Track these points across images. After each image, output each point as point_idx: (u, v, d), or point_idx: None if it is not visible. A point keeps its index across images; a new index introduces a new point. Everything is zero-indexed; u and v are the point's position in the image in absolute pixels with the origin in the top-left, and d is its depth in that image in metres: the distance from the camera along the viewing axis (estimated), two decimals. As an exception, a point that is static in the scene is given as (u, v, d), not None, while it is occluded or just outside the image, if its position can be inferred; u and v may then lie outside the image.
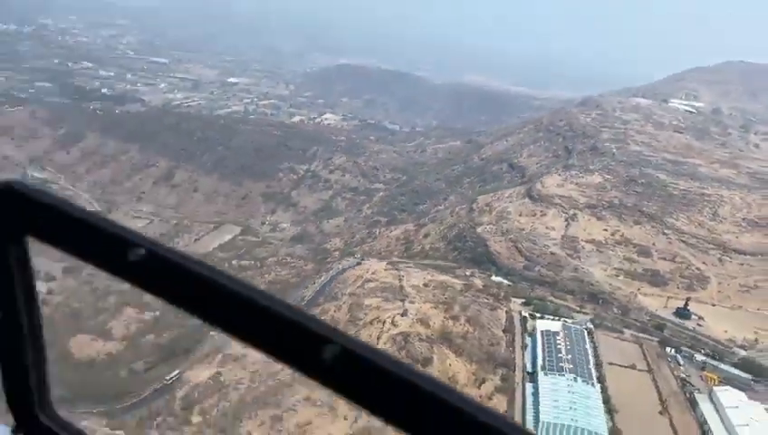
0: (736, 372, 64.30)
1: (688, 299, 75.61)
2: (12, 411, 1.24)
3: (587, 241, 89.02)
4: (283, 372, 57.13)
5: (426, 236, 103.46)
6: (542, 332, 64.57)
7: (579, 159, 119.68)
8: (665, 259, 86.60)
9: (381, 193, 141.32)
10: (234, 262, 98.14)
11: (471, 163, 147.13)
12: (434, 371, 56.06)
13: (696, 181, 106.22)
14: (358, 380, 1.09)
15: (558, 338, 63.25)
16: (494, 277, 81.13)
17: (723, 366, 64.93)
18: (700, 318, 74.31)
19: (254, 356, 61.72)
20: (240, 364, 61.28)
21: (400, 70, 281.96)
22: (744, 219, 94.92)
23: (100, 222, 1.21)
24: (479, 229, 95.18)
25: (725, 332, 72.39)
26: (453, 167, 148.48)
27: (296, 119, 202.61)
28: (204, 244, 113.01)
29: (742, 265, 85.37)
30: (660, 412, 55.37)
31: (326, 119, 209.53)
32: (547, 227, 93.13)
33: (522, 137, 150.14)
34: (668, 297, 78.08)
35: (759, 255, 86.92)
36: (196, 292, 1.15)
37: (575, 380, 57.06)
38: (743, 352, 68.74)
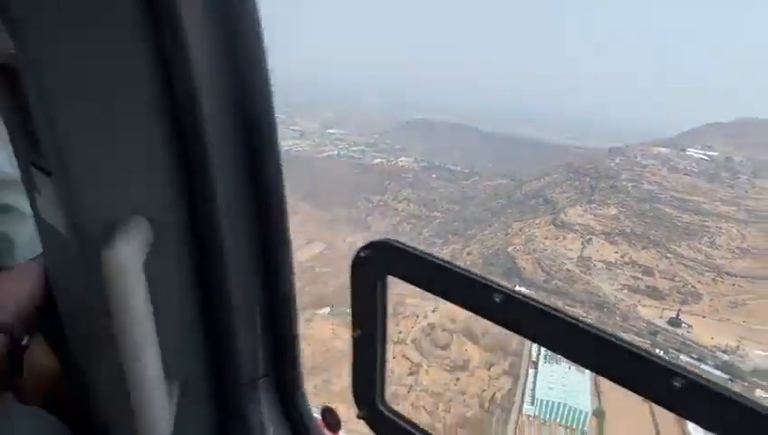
0: (717, 372, 62.56)
1: (680, 310, 73.94)
2: (357, 404, 1.27)
3: (599, 261, 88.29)
4: (335, 349, 60.72)
5: (468, 254, 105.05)
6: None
7: (600, 194, 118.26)
8: (665, 278, 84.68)
9: (438, 220, 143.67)
10: (317, 269, 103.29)
11: (514, 197, 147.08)
12: (451, 353, 58.16)
13: (698, 215, 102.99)
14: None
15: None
16: (516, 287, 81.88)
17: (703, 367, 63.30)
18: (690, 326, 72.39)
19: (313, 337, 65.87)
20: (304, 342, 64.96)
21: (465, 123, 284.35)
22: (738, 248, 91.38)
23: (453, 267, 1.10)
24: (509, 249, 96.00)
25: (712, 339, 70.36)
26: (498, 200, 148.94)
27: (377, 161, 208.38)
28: (297, 256, 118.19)
29: (733, 285, 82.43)
30: (643, 400, 55.22)
31: (401, 161, 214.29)
32: (566, 249, 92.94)
33: (556, 177, 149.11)
34: (664, 309, 76.56)
35: (749, 277, 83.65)
36: (551, 330, 0.93)
37: (569, 369, 57.43)
38: (725, 357, 66.66)
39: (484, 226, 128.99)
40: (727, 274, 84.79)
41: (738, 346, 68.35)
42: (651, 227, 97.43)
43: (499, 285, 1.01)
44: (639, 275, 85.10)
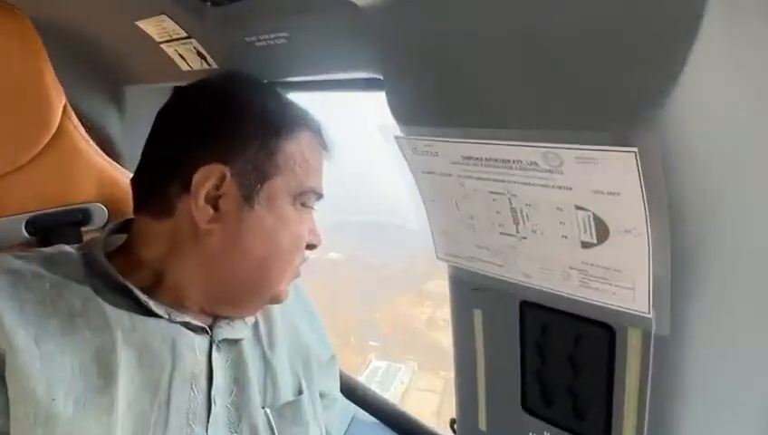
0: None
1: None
2: None
3: (445, 320, 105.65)
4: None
5: (346, 320, 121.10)
6: (372, 367, 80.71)
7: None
8: None
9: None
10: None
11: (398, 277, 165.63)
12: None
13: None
14: None
15: (380, 370, 79.28)
16: (370, 342, 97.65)
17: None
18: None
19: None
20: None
21: (381, 220, 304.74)
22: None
23: None
24: (376, 315, 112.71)
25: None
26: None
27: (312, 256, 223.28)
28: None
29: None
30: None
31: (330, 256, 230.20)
32: (421, 312, 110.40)
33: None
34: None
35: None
36: None
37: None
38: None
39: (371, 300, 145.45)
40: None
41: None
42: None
43: None
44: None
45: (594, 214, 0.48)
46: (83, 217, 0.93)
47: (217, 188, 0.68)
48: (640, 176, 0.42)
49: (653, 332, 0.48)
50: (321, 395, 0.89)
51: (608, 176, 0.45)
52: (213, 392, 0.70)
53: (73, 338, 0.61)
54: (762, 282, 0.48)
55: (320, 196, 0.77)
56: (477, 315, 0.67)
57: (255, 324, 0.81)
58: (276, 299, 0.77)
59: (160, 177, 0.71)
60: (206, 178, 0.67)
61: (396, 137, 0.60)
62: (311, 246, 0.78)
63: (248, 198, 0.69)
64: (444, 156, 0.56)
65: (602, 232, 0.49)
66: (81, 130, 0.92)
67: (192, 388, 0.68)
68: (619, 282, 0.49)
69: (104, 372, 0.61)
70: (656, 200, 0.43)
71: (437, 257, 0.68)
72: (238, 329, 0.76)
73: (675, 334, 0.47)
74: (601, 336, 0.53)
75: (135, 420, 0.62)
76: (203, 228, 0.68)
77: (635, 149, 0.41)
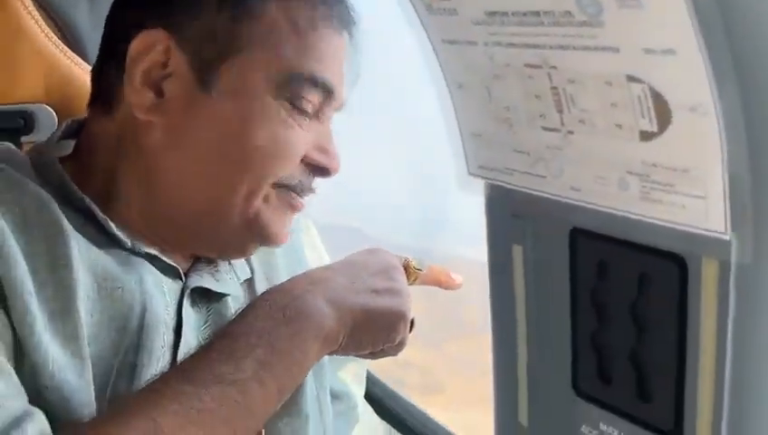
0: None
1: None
2: None
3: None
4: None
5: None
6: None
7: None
8: (426, 374, 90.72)
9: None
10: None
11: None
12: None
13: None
14: None
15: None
16: None
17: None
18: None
19: None
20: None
21: (351, 225, 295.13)
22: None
23: None
24: None
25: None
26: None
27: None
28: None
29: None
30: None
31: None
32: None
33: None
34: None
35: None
36: None
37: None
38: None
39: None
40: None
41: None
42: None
43: None
44: (403, 374, 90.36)
45: (651, 86, 0.33)
46: (25, 122, 0.70)
47: (164, 65, 0.50)
48: (693, 21, 0.29)
49: (732, 260, 0.33)
50: (334, 395, 0.67)
51: (658, 25, 0.31)
52: (179, 356, 0.52)
53: (28, 239, 0.44)
54: None
55: (328, 92, 0.53)
56: (517, 254, 0.47)
57: (251, 281, 0.61)
58: (259, 229, 0.53)
59: (103, 56, 0.55)
60: (146, 48, 0.49)
61: None
62: (319, 170, 0.54)
63: (203, 80, 0.50)
64: (464, 13, 0.41)
65: (663, 114, 0.34)
66: (30, 2, 0.68)
67: (164, 338, 0.51)
68: (688, 188, 0.34)
69: (60, 293, 0.44)
70: (717, 60, 0.29)
71: (469, 173, 0.50)
72: (224, 281, 0.57)
73: (761, 263, 0.32)
74: (669, 272, 0.37)
75: (93, 364, 0.45)
76: (141, 120, 0.50)
77: None
